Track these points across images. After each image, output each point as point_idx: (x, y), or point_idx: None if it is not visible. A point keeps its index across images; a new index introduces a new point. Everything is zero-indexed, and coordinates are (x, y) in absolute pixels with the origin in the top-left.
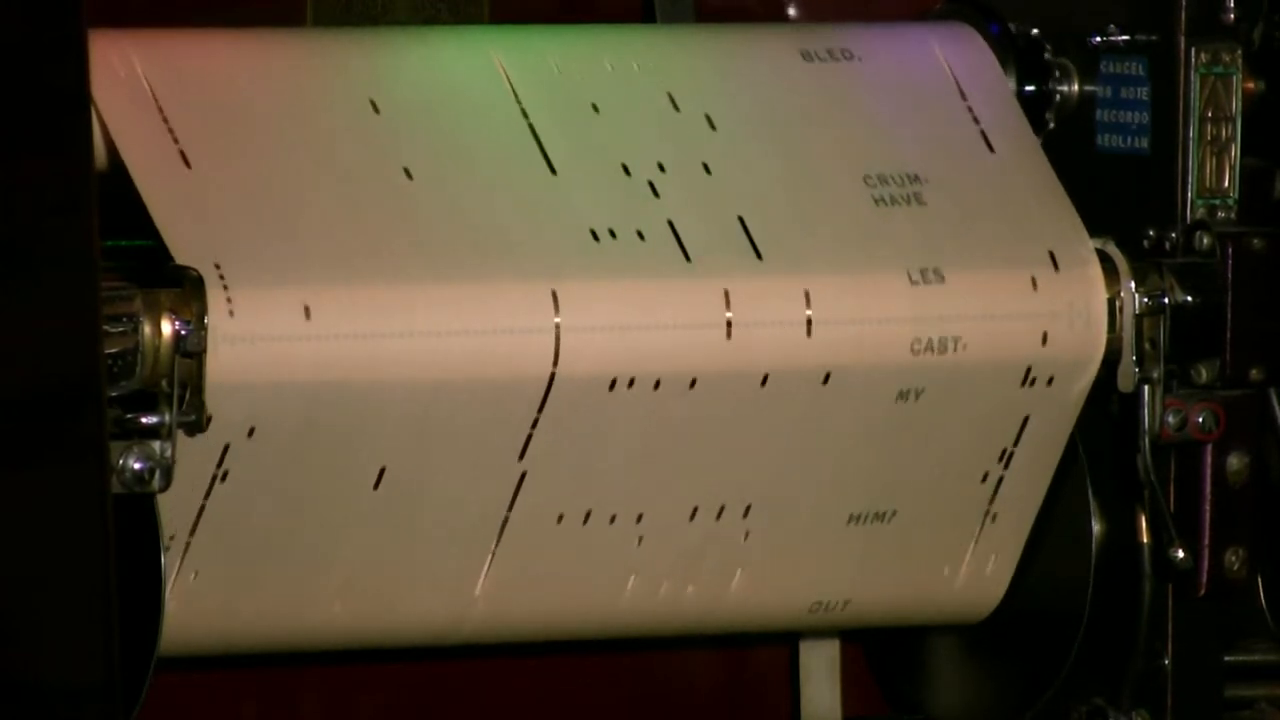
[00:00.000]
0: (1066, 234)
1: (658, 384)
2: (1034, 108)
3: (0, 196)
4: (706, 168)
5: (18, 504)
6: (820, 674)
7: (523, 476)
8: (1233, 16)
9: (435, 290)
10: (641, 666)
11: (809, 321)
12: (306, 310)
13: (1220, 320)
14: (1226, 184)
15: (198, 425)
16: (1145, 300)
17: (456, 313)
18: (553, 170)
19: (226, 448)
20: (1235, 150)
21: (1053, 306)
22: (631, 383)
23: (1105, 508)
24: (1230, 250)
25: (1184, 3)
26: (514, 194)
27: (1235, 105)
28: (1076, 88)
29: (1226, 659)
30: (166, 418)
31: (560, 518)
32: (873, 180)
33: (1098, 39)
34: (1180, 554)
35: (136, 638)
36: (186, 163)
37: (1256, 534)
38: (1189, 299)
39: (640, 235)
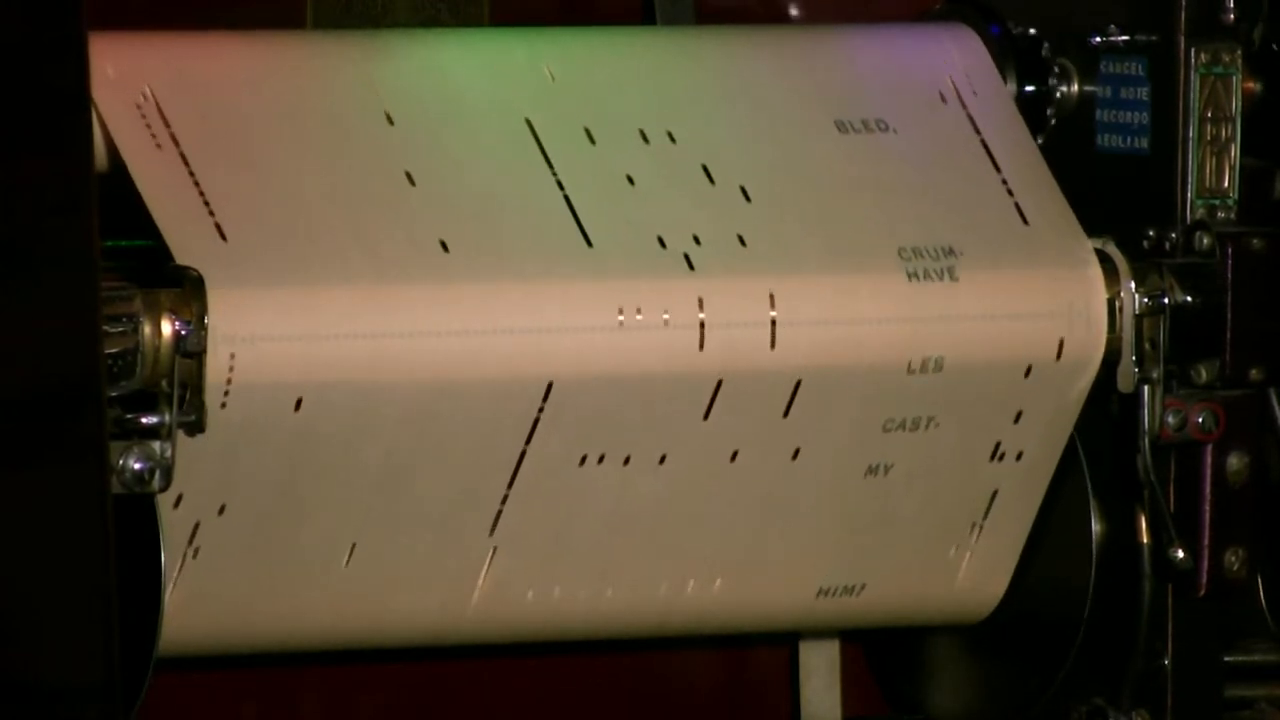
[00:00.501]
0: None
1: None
2: (1034, 108)
3: (0, 196)
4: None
5: (18, 504)
6: (820, 674)
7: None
8: (1233, 16)
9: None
10: (641, 666)
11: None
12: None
13: (1220, 320)
14: (1226, 184)
15: (198, 425)
16: (1145, 300)
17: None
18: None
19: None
20: (1235, 150)
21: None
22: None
23: (1105, 508)
24: (1230, 250)
25: (1184, 3)
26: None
27: (1235, 105)
28: (1076, 88)
29: (1226, 659)
30: (166, 418)
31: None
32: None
33: (1098, 39)
34: (1180, 554)
35: (136, 638)
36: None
37: (1256, 534)
38: (1189, 299)
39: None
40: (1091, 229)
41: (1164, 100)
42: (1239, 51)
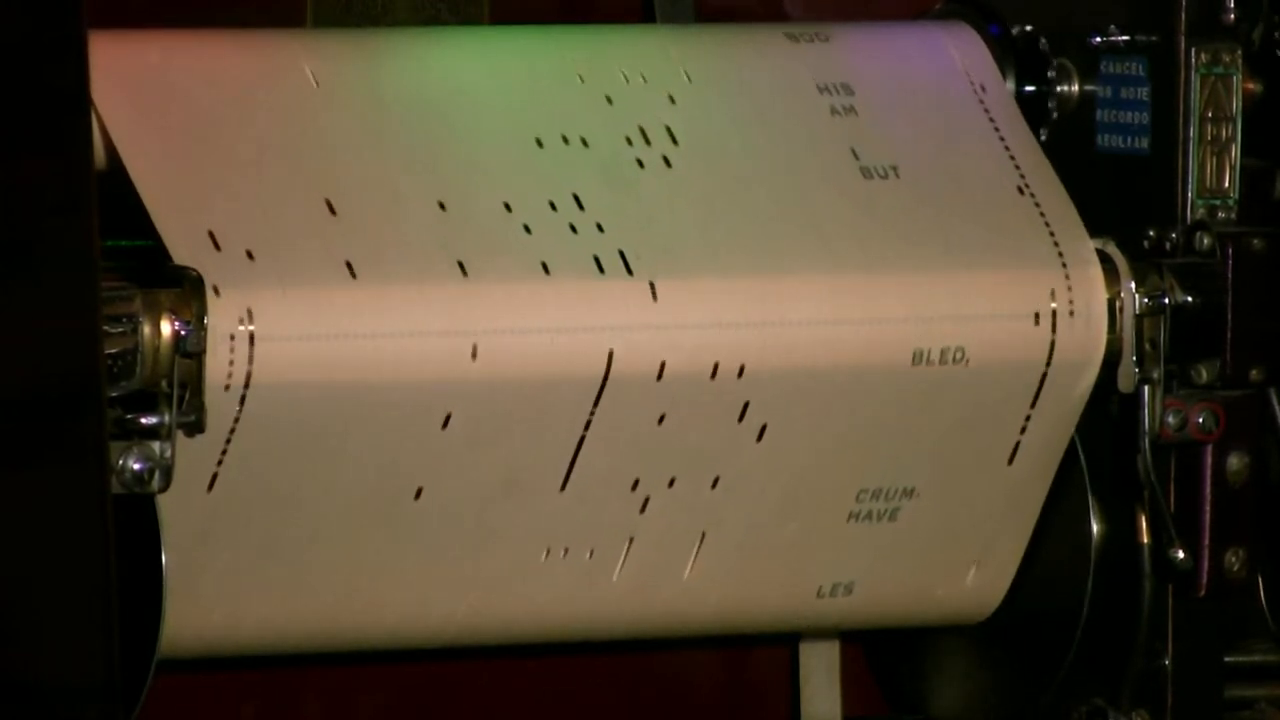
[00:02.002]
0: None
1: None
2: (1034, 108)
3: (0, 196)
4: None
5: (18, 504)
6: (820, 674)
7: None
8: (1233, 17)
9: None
10: (641, 666)
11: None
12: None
13: (1220, 320)
14: (1226, 184)
15: (198, 425)
16: (1145, 300)
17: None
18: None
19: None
20: (1235, 150)
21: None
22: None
23: (1105, 508)
24: (1230, 250)
25: (1184, 3)
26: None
27: (1235, 105)
28: (1076, 88)
29: (1226, 659)
30: (166, 418)
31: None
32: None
33: (1098, 39)
34: (1180, 554)
35: (136, 638)
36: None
37: (1256, 534)
38: (1189, 299)
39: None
40: (1091, 229)
41: (1164, 100)
42: (1239, 51)
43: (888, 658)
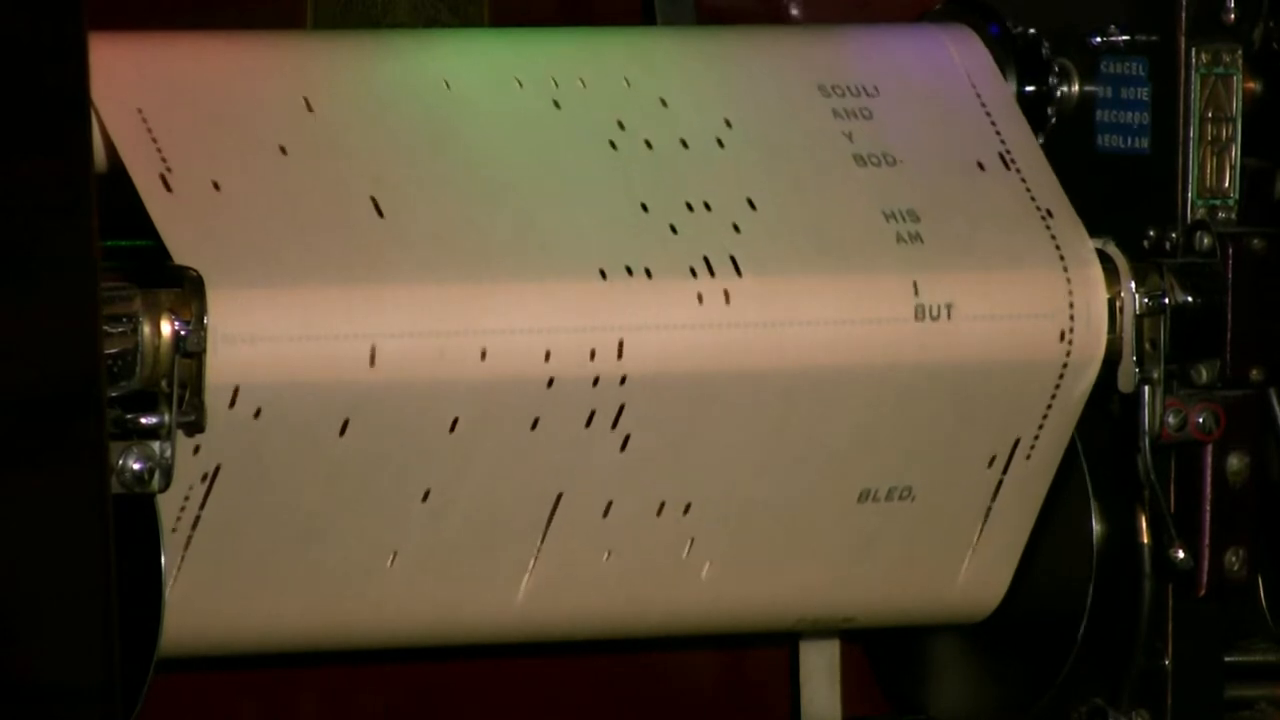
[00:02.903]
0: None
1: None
2: (1034, 108)
3: (0, 196)
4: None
5: (18, 504)
6: (820, 674)
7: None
8: (1233, 16)
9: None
10: (641, 666)
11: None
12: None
13: (1220, 320)
14: (1226, 184)
15: (198, 425)
16: (1145, 300)
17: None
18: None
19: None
20: (1235, 150)
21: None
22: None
23: (1105, 508)
24: (1230, 250)
25: (1184, 3)
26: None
27: (1235, 105)
28: (1076, 88)
29: (1226, 659)
30: (166, 418)
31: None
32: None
33: (1098, 39)
34: (1180, 554)
35: (136, 638)
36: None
37: (1256, 534)
38: (1189, 299)
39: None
40: (1091, 229)
41: (1164, 100)
42: (1239, 51)
43: (888, 658)
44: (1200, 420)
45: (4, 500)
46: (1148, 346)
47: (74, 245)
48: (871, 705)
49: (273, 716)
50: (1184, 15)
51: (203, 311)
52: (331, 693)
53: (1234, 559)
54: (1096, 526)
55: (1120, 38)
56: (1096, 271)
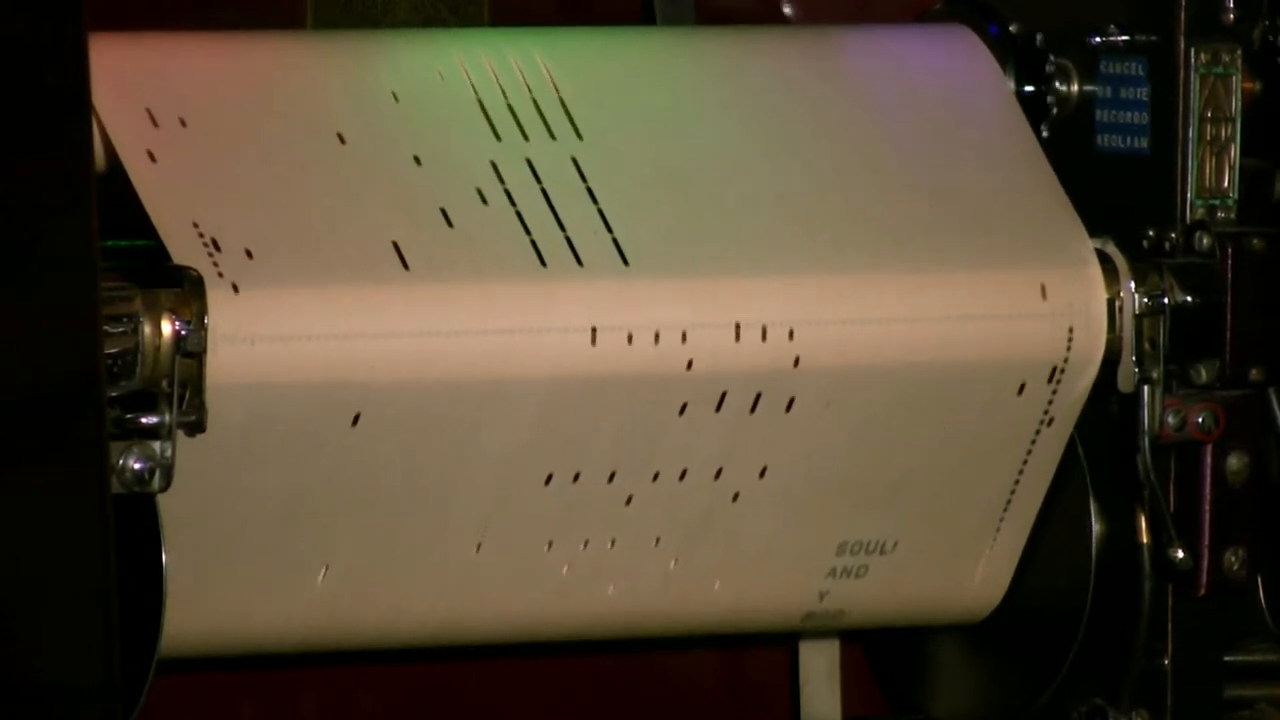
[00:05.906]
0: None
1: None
2: (1033, 108)
3: (0, 196)
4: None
5: (18, 504)
6: (820, 675)
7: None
8: (1233, 16)
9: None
10: (641, 667)
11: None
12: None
13: (1220, 320)
14: (1226, 184)
15: (198, 425)
16: (1145, 300)
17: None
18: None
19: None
20: (1235, 150)
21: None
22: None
23: (1105, 508)
24: (1230, 250)
25: (1184, 3)
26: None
27: (1235, 105)
28: (1076, 88)
29: (1226, 659)
30: (166, 418)
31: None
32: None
33: (1098, 39)
34: (1180, 554)
35: (136, 638)
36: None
37: (1256, 534)
38: (1189, 299)
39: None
40: (1091, 229)
41: (1164, 100)
42: (1239, 51)
43: (888, 658)
44: (1200, 420)
45: (4, 500)
46: (1147, 346)
47: (74, 245)
48: (871, 705)
49: (273, 716)
50: (1183, 15)
51: (203, 311)
52: (331, 693)
53: (1233, 559)
54: (1096, 526)
55: (1120, 38)
56: (1096, 271)
